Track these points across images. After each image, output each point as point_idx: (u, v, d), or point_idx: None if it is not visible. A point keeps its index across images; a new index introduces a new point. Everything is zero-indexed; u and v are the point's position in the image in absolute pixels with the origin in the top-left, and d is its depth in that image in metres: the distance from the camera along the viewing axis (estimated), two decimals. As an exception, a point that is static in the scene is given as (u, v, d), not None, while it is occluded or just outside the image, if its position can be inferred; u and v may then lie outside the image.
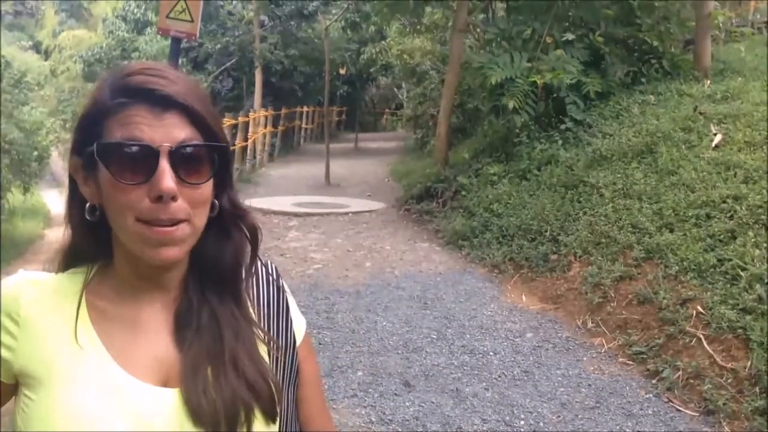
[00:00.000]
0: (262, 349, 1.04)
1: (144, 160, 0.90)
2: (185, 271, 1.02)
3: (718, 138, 6.66)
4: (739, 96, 7.78)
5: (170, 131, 0.91)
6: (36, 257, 10.81)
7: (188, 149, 0.92)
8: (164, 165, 0.90)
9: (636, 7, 9.61)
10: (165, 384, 0.96)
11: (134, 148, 0.91)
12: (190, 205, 0.93)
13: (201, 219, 0.96)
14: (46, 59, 33.12)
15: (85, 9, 37.00)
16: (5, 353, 0.95)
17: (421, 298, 6.23)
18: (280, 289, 1.11)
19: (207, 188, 0.96)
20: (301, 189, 13.26)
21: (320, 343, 5.18)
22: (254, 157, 15.90)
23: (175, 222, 0.92)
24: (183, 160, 0.92)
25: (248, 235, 1.05)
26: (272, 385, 1.00)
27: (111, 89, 0.94)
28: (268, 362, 1.03)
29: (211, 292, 1.02)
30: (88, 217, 0.97)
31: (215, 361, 0.97)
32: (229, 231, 1.03)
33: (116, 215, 0.93)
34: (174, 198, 0.91)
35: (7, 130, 12.64)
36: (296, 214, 10.16)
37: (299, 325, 1.13)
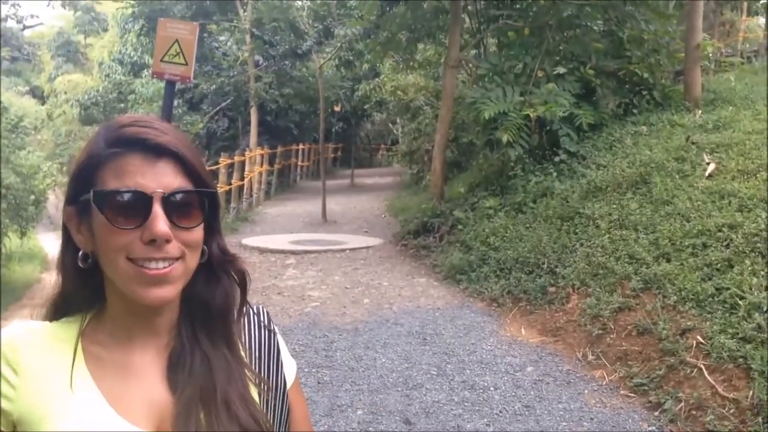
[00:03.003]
0: (254, 391, 1.06)
1: (138, 206, 0.94)
2: (177, 316, 1.04)
3: (711, 167, 6.70)
4: (731, 125, 7.85)
5: (162, 178, 0.96)
6: (33, 301, 10.74)
7: (180, 195, 0.97)
8: (157, 210, 0.94)
9: (625, 40, 9.76)
10: (158, 427, 0.98)
11: (129, 195, 0.95)
12: (184, 246, 0.97)
13: (193, 260, 0.99)
14: (42, 104, 33.36)
15: (82, 53, 37.39)
16: (5, 404, 0.96)
17: (420, 334, 6.19)
18: (271, 332, 1.14)
19: (199, 232, 1.00)
20: (297, 226, 13.27)
21: (319, 382, 5.14)
22: (251, 196, 15.94)
23: (170, 261, 0.95)
24: (175, 206, 0.96)
25: (237, 280, 1.08)
26: (263, 426, 1.02)
27: (105, 140, 0.98)
28: (259, 401, 1.06)
29: (203, 336, 1.04)
30: (81, 265, 0.99)
31: (208, 404, 0.99)
32: (219, 276, 1.06)
33: (109, 258, 0.96)
34: (168, 240, 0.95)
35: (4, 174, 12.67)
36: (293, 252, 10.15)
37: (290, 368, 1.15)
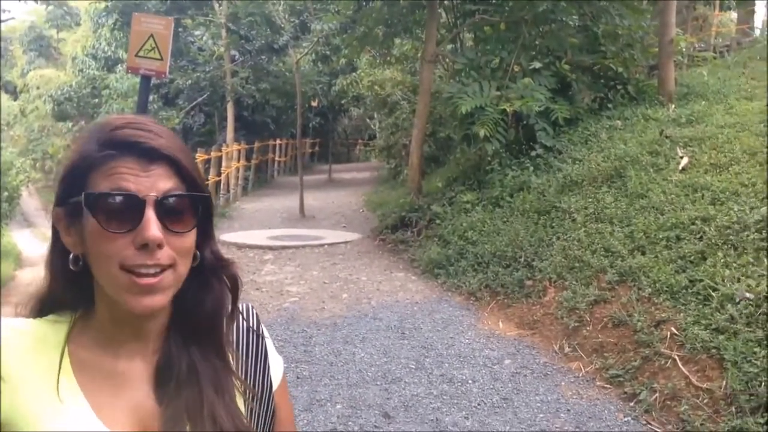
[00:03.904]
0: (239, 398, 1.05)
1: (130, 210, 0.93)
2: (166, 322, 1.03)
3: (684, 161, 6.79)
4: (703, 119, 7.95)
5: (156, 182, 0.94)
6: (7, 299, 10.61)
7: (173, 199, 0.95)
8: (150, 214, 0.92)
9: (600, 35, 9.84)
10: None
11: (121, 198, 0.93)
12: (175, 253, 0.95)
13: (185, 267, 0.98)
14: (15, 99, 32.91)
15: (54, 48, 36.91)
16: None
17: (399, 328, 6.21)
18: (259, 336, 1.13)
19: (191, 237, 0.98)
20: (275, 222, 13.23)
21: (298, 377, 5.14)
22: (228, 192, 15.87)
23: (161, 269, 0.93)
24: (168, 210, 0.94)
25: (229, 285, 1.06)
26: None
27: (98, 142, 0.96)
28: (244, 409, 1.05)
29: (192, 344, 1.03)
30: (72, 268, 0.97)
31: (194, 416, 0.98)
32: (210, 282, 1.04)
33: (100, 263, 0.94)
34: (160, 246, 0.93)
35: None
36: (271, 248, 10.12)
37: (276, 369, 1.14)
